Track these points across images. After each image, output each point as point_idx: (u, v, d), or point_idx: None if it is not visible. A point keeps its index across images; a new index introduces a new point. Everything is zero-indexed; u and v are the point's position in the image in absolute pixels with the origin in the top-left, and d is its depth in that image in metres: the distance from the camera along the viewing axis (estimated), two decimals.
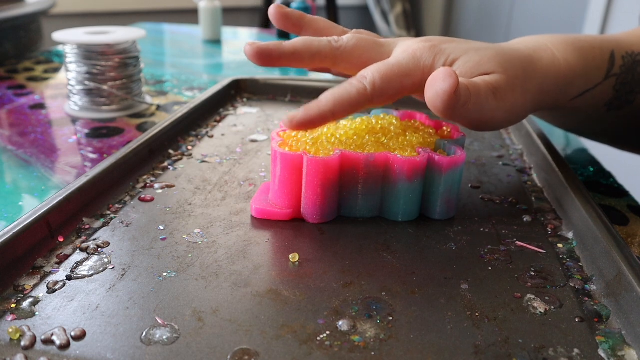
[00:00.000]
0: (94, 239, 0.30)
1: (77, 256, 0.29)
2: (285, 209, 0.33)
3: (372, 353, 0.23)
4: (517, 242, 0.32)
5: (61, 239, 0.30)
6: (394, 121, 0.36)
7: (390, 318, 0.25)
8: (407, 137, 0.35)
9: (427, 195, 0.33)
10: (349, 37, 0.34)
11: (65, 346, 0.22)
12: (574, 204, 0.33)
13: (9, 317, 0.24)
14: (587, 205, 0.32)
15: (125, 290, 0.26)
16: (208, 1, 1.01)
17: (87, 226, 0.32)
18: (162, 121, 0.45)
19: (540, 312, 0.26)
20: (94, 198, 0.34)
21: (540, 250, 0.31)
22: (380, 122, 0.36)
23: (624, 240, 0.29)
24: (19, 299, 0.25)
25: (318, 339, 0.23)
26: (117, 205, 0.34)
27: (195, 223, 0.33)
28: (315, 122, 0.31)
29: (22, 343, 0.22)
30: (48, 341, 0.22)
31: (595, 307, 0.26)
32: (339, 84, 0.31)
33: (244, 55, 0.33)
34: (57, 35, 0.56)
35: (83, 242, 0.30)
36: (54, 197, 0.31)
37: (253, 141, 0.47)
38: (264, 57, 0.33)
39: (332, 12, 2.20)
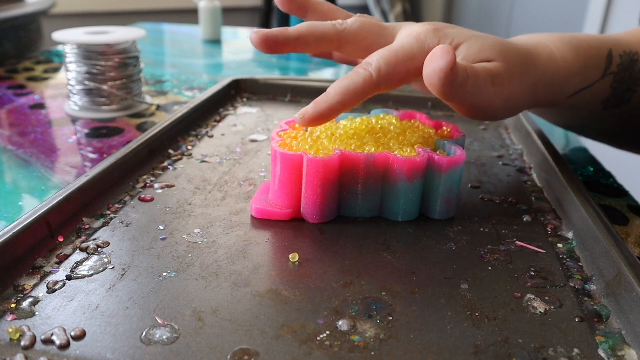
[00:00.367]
0: (94, 239, 0.30)
1: (77, 256, 0.29)
2: (285, 209, 0.33)
3: (372, 353, 0.23)
4: (517, 242, 0.32)
5: (61, 239, 0.30)
6: (394, 121, 0.36)
7: (390, 318, 0.25)
8: (407, 137, 0.35)
9: (427, 195, 0.33)
10: (354, 20, 0.35)
11: (65, 346, 0.22)
12: (574, 204, 0.33)
13: (9, 317, 0.24)
14: (587, 205, 0.32)
15: (125, 290, 0.26)
16: (208, 1, 1.01)
17: (87, 226, 0.32)
18: (162, 121, 0.45)
19: (540, 312, 0.26)
20: (94, 198, 0.34)
21: (540, 250, 0.31)
22: (380, 122, 0.36)
23: (624, 240, 0.29)
24: (19, 299, 0.25)
25: (318, 339, 0.23)
26: (117, 205, 0.34)
27: (195, 223, 0.33)
28: (326, 116, 0.31)
29: (22, 343, 0.22)
30: (48, 341, 0.22)
31: (595, 307, 0.26)
32: (345, 75, 0.32)
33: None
34: (57, 35, 0.56)
35: (83, 242, 0.30)
36: (54, 197, 0.31)
37: (253, 141, 0.47)
38: (270, 44, 0.33)
39: None
